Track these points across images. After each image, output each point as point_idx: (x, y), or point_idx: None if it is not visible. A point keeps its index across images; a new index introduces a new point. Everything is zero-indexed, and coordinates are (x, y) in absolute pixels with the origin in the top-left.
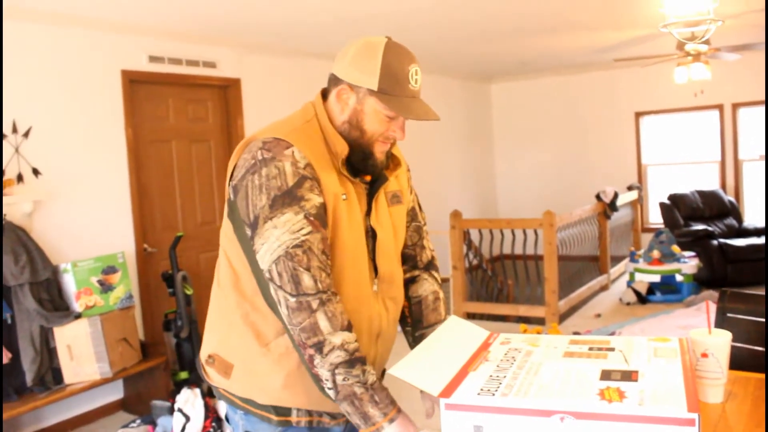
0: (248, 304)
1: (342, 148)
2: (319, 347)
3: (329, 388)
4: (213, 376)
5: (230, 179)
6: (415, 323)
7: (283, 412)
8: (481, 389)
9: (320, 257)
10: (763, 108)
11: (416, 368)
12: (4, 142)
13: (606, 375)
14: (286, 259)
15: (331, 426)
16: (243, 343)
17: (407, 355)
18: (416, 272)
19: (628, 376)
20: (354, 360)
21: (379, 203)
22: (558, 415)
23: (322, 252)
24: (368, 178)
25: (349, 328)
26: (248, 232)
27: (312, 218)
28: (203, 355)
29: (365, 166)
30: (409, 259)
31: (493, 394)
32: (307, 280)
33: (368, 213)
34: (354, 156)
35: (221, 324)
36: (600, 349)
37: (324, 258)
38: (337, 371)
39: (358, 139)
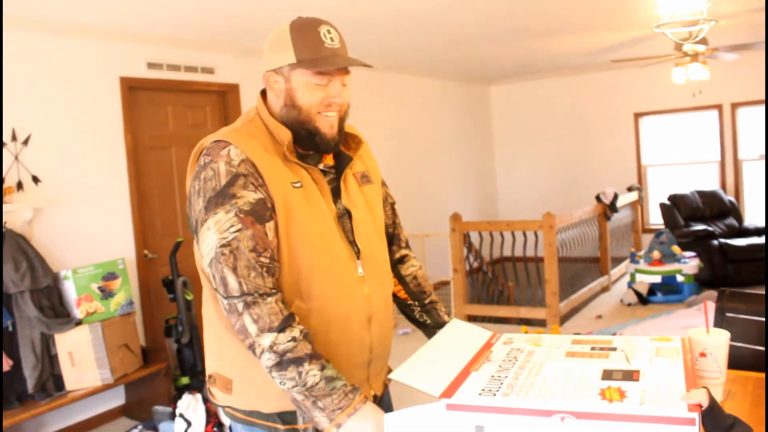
0: None
1: (285, 135)
2: (252, 349)
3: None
4: (217, 395)
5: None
6: (418, 297)
7: (289, 420)
8: (483, 389)
9: (248, 255)
10: (762, 107)
11: (418, 371)
12: (5, 150)
13: (607, 375)
14: (216, 261)
15: None
16: (236, 354)
17: (409, 358)
18: (403, 251)
19: (630, 375)
20: (285, 362)
21: (348, 185)
22: (558, 414)
23: (253, 249)
24: (329, 161)
25: (280, 328)
26: (195, 238)
27: (243, 215)
28: (207, 376)
29: (314, 144)
30: (393, 239)
31: (495, 394)
32: (232, 282)
33: (339, 196)
34: (300, 137)
35: (214, 340)
36: (602, 348)
37: (253, 255)
38: (273, 375)
39: (297, 117)
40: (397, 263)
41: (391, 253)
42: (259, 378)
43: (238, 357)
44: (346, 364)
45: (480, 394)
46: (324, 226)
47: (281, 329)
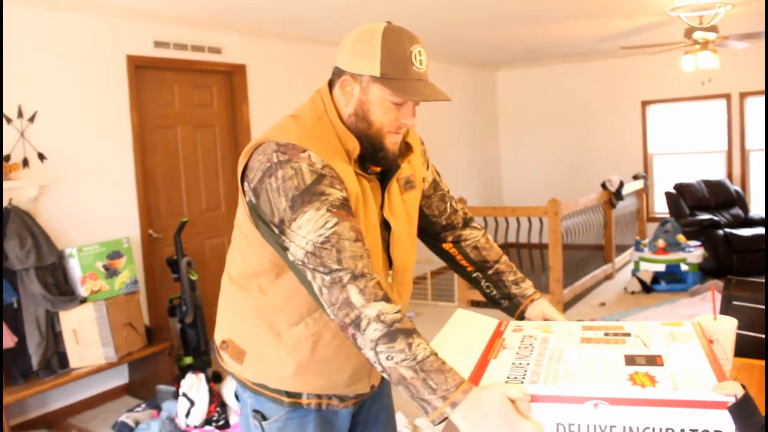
0: (263, 298)
1: (353, 146)
2: (356, 325)
3: (381, 371)
4: (227, 361)
5: (243, 179)
6: (480, 265)
7: (293, 395)
8: (508, 377)
9: (353, 245)
10: None
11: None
12: (11, 127)
13: (630, 360)
14: (315, 257)
15: (340, 408)
16: (256, 332)
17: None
18: (458, 232)
19: (653, 360)
20: (394, 332)
21: (392, 193)
22: (591, 401)
23: (355, 240)
24: (378, 168)
25: (386, 299)
26: (276, 232)
27: (335, 210)
28: (217, 339)
29: (376, 159)
30: (447, 226)
31: (522, 382)
32: (335, 265)
33: (381, 204)
34: (364, 150)
35: (234, 313)
36: (616, 334)
37: (359, 245)
38: (378, 349)
39: (365, 131)
40: (454, 243)
41: (443, 239)
42: (272, 359)
43: (258, 335)
44: (354, 361)
45: (506, 382)
46: (373, 238)
47: (386, 300)
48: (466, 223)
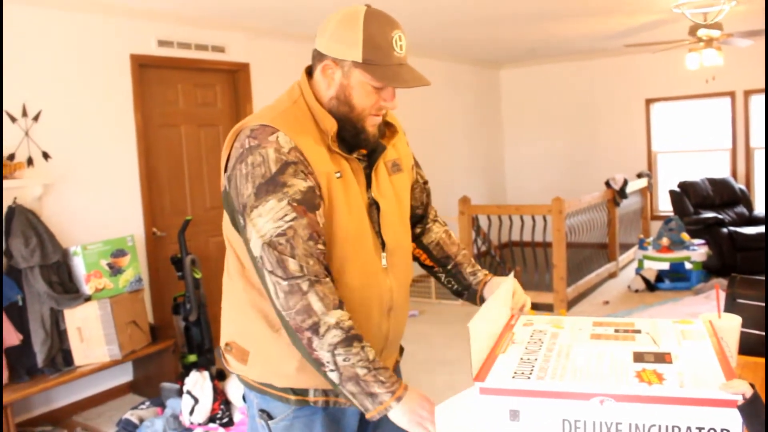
0: (255, 291)
1: (331, 125)
2: (315, 329)
3: (331, 371)
4: (232, 363)
5: (225, 169)
6: (442, 262)
7: (300, 392)
8: (515, 372)
9: (306, 243)
10: None
11: (482, 329)
12: (15, 126)
13: (639, 357)
14: (271, 248)
15: (347, 406)
16: (256, 329)
17: (479, 311)
18: (428, 225)
19: (661, 358)
20: (351, 338)
21: (379, 174)
22: (598, 398)
23: (309, 237)
24: (364, 151)
25: (341, 306)
26: (240, 221)
27: (296, 203)
28: (222, 343)
29: (358, 141)
30: (421, 218)
31: (529, 378)
32: (293, 265)
33: (369, 186)
34: (345, 132)
35: (234, 312)
36: (626, 331)
37: (311, 244)
38: (336, 351)
39: (347, 114)
40: (419, 236)
41: (415, 229)
42: (275, 355)
43: (258, 332)
44: None
45: (513, 378)
46: (359, 219)
47: (341, 307)
48: (435, 217)
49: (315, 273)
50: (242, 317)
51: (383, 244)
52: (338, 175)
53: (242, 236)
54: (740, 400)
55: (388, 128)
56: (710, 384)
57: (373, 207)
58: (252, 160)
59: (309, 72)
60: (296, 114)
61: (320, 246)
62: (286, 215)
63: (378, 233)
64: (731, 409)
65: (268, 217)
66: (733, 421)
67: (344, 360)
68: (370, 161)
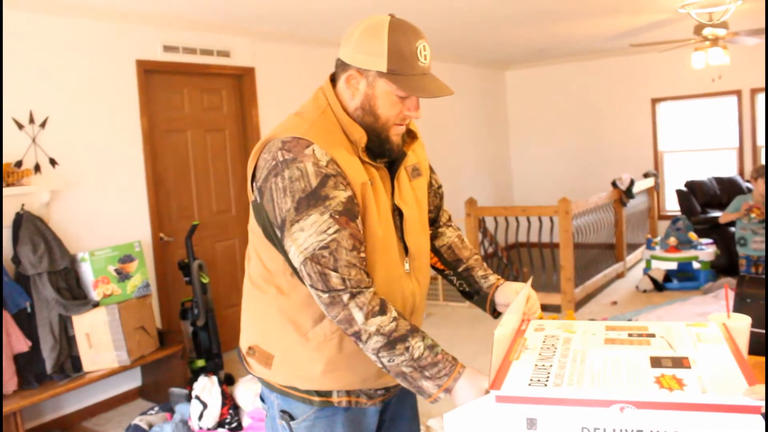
0: (284, 299)
1: (360, 136)
2: (357, 336)
3: (381, 367)
4: (254, 367)
5: (252, 179)
6: (453, 265)
7: (324, 394)
8: (531, 380)
9: (349, 254)
10: None
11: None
12: (22, 133)
13: (656, 362)
14: (313, 262)
15: (368, 406)
16: (282, 334)
17: (503, 317)
18: (440, 229)
19: (679, 362)
20: (393, 341)
21: (401, 180)
22: (618, 405)
23: (352, 247)
24: (385, 159)
25: (382, 311)
26: (278, 233)
27: (338, 216)
28: (243, 346)
29: (383, 151)
30: (433, 221)
31: (545, 385)
32: (335, 279)
33: (392, 192)
34: (370, 142)
35: (258, 317)
36: (640, 335)
37: (354, 254)
38: (380, 355)
39: (372, 125)
40: (432, 239)
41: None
42: (301, 359)
43: (283, 338)
44: None
45: (530, 385)
46: (387, 225)
47: (383, 312)
48: (447, 221)
49: (357, 283)
50: (267, 322)
51: (406, 250)
52: (370, 183)
53: (277, 248)
54: (764, 407)
55: (408, 134)
56: (733, 389)
57: (396, 213)
58: (290, 174)
59: (332, 79)
60: (326, 125)
61: (362, 254)
62: (329, 228)
63: (401, 239)
64: (756, 415)
65: (311, 231)
66: (757, 427)
67: (389, 361)
68: (392, 168)
